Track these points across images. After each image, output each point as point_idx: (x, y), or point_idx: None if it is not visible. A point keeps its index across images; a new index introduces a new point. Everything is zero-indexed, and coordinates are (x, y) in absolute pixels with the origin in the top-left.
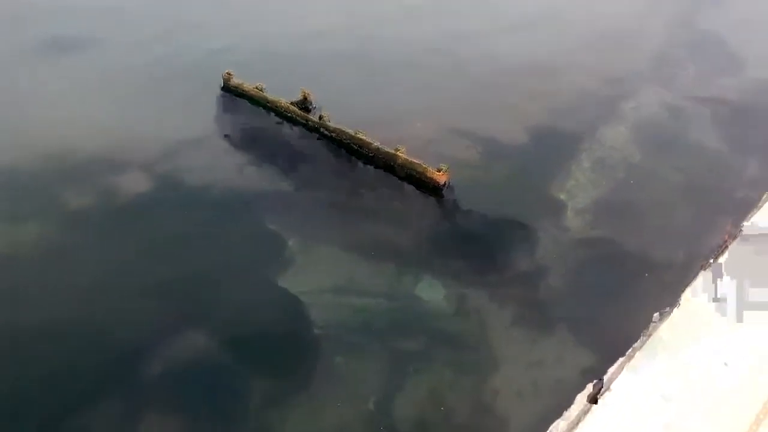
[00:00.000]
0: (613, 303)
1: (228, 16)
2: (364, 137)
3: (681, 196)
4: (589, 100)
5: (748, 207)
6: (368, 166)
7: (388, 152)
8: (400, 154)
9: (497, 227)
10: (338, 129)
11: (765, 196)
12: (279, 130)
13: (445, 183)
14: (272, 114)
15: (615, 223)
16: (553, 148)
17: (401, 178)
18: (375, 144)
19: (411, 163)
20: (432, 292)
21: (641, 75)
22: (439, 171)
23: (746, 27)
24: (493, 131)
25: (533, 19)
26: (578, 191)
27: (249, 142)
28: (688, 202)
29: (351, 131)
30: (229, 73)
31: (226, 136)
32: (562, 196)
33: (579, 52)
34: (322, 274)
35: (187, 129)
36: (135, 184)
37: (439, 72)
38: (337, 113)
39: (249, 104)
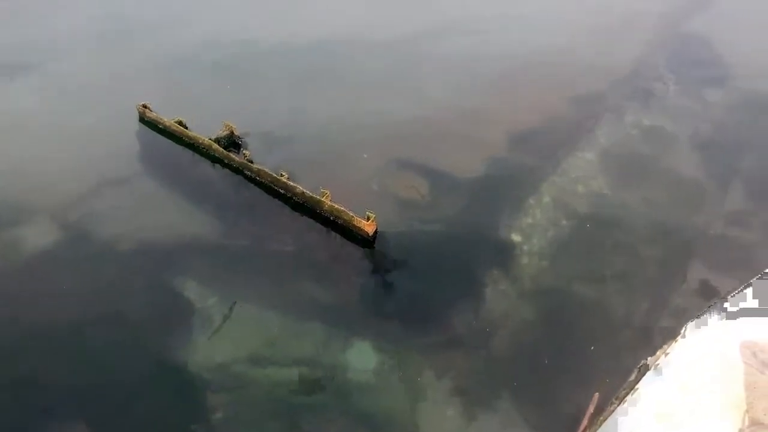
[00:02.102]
0: (566, 372)
1: (148, 40)
2: (287, 181)
3: (650, 237)
4: (556, 123)
5: (726, 250)
6: (296, 213)
7: (312, 198)
8: (325, 201)
9: (437, 280)
10: (261, 171)
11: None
12: (201, 171)
13: (374, 233)
14: (194, 152)
15: (573, 270)
16: (510, 180)
17: (329, 227)
18: (299, 188)
19: (337, 210)
20: (362, 359)
21: (616, 91)
22: (367, 219)
23: (734, 32)
24: (446, 162)
25: (493, 27)
26: (534, 231)
27: (167, 185)
28: (656, 245)
29: (273, 173)
30: (144, 106)
31: (140, 177)
32: (516, 238)
33: (547, 67)
34: (238, 341)
35: (96, 169)
36: (34, 234)
37: (393, 93)
38: (271, 148)
39: (169, 141)
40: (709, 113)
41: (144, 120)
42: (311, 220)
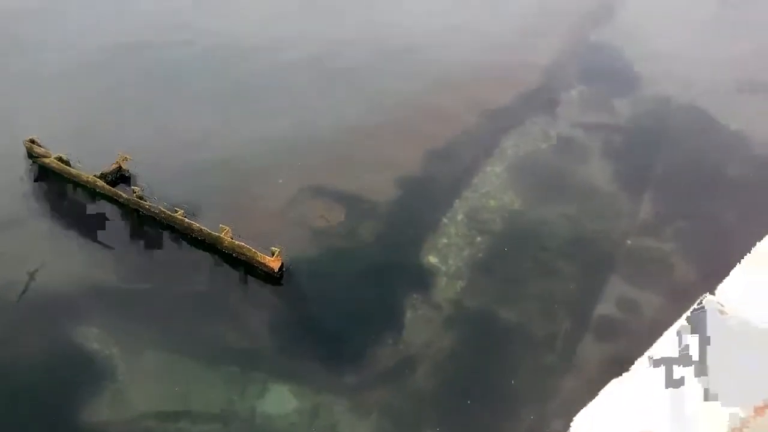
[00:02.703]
0: (492, 402)
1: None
2: (182, 218)
3: (564, 253)
4: (468, 138)
5: (640, 261)
6: (198, 250)
7: (211, 234)
8: (225, 237)
9: (353, 313)
10: (155, 207)
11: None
12: (96, 210)
13: (280, 268)
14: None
15: (492, 291)
16: (423, 199)
17: (234, 264)
18: (196, 225)
19: (239, 246)
20: (280, 404)
21: (525, 102)
22: (272, 255)
23: (640, 39)
24: (361, 186)
25: (401, 41)
26: (451, 252)
27: (59, 226)
28: (571, 261)
29: (167, 211)
30: (32, 141)
31: (29, 219)
32: (434, 260)
33: (454, 81)
34: (146, 396)
35: None
36: None
37: (306, 112)
38: (174, 176)
39: (61, 178)
40: (616, 122)
41: (32, 156)
42: (216, 257)
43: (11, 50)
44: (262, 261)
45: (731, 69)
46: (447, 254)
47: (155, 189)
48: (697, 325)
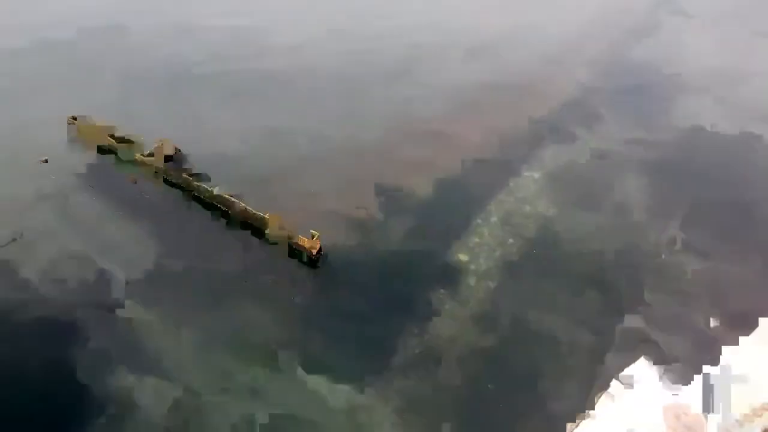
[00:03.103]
0: (511, 398)
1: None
2: (227, 197)
3: (595, 263)
4: (505, 144)
5: (664, 280)
6: (238, 231)
7: (255, 216)
8: (268, 218)
9: (383, 303)
10: (201, 188)
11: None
12: (141, 187)
13: (318, 252)
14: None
15: (519, 294)
16: (460, 200)
17: (273, 246)
18: (241, 205)
19: (282, 228)
20: (310, 387)
21: (566, 114)
22: (311, 238)
23: (680, 57)
24: (396, 184)
25: (452, 52)
26: (481, 251)
27: (102, 201)
28: (602, 272)
29: (211, 190)
30: (74, 118)
31: (73, 193)
32: (464, 258)
33: (497, 87)
34: (180, 371)
35: (29, 185)
36: None
37: (342, 114)
38: (218, 164)
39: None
40: (655, 140)
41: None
42: (255, 239)
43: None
44: (302, 243)
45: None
46: (478, 253)
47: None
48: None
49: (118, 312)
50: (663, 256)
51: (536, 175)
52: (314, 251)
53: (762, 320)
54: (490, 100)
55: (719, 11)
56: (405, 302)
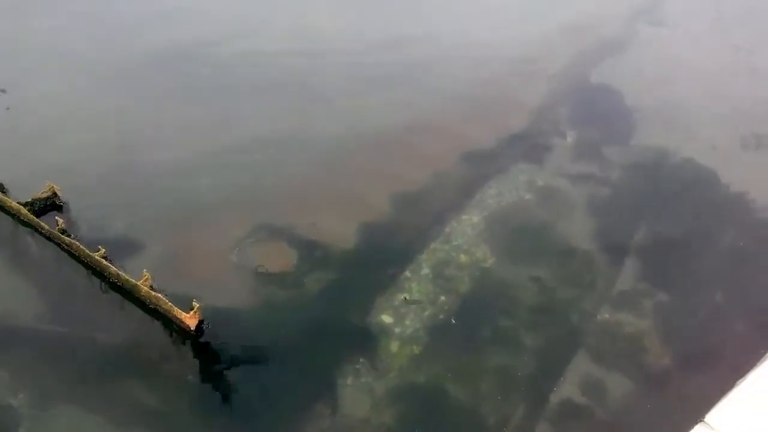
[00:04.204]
0: None
1: None
2: (100, 259)
3: (533, 322)
4: (444, 181)
5: (613, 339)
6: (119, 295)
7: (128, 281)
8: (143, 285)
9: (287, 377)
10: (74, 244)
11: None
12: (22, 239)
13: (199, 326)
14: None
15: (447, 362)
16: (387, 249)
17: (154, 314)
18: (113, 269)
19: (156, 297)
20: None
21: (512, 145)
22: (192, 310)
23: (643, 83)
24: (317, 229)
25: (385, 72)
26: (408, 311)
27: None
28: (539, 332)
29: (86, 249)
30: None
31: None
32: (388, 320)
33: (438, 119)
34: None
35: None
36: None
37: (271, 150)
38: (111, 208)
39: None
40: (606, 175)
41: None
42: (136, 304)
43: None
44: (179, 316)
45: (738, 121)
46: (405, 314)
47: (93, 218)
48: None
49: None
50: (598, 317)
51: (475, 218)
52: (192, 326)
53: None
54: (421, 128)
55: (699, 23)
56: (315, 376)
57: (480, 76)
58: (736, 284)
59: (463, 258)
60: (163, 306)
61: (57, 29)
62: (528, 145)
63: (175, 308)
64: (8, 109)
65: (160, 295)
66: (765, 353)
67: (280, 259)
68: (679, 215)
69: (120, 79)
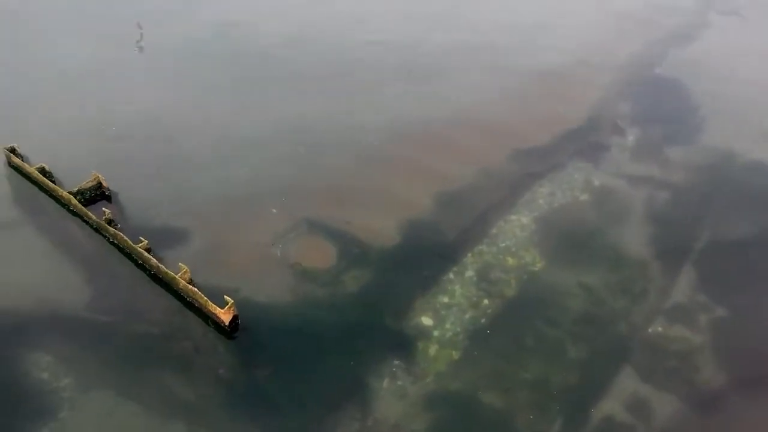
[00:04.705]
0: None
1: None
2: (142, 250)
3: (578, 333)
4: (493, 180)
5: (663, 356)
6: (159, 286)
7: (167, 273)
8: (180, 278)
9: (316, 380)
10: (118, 235)
11: None
12: (67, 227)
13: (232, 322)
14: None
15: (485, 369)
16: (430, 248)
17: (192, 306)
18: (154, 261)
19: (192, 291)
20: None
21: (567, 142)
22: (225, 306)
23: (711, 79)
24: (360, 225)
25: (439, 67)
26: (450, 313)
27: (29, 239)
28: (584, 344)
29: (129, 240)
30: (12, 150)
31: None
32: (428, 322)
33: (486, 110)
34: None
35: None
36: None
37: (313, 141)
38: (157, 198)
39: (37, 189)
40: (668, 177)
41: (11, 164)
42: (175, 296)
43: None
44: (213, 311)
45: None
46: (445, 316)
47: (140, 209)
48: None
49: (30, 364)
50: (649, 330)
51: (525, 219)
52: (226, 321)
53: None
54: (471, 123)
55: None
56: (349, 377)
57: (534, 67)
58: None
59: (510, 261)
60: (199, 300)
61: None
62: (585, 143)
63: (210, 303)
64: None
65: (196, 289)
66: None
67: (320, 255)
68: (744, 223)
69: (160, 68)
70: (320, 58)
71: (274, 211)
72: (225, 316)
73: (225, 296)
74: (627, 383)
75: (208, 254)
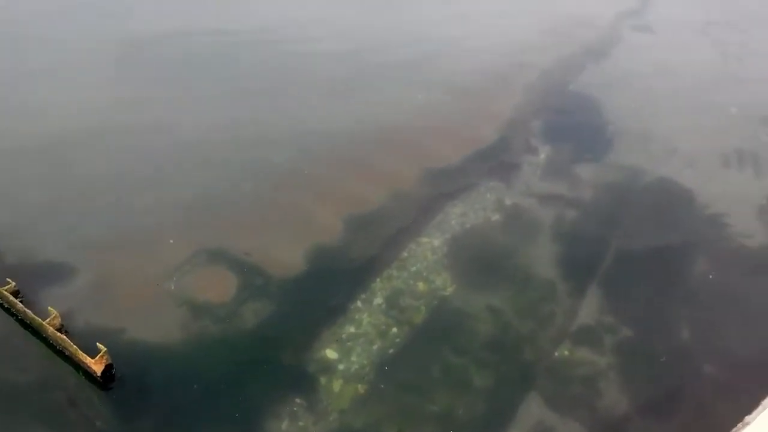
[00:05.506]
0: None
1: None
2: (7, 293)
3: (485, 360)
4: (403, 201)
5: (569, 381)
6: (29, 332)
7: (34, 320)
8: (49, 325)
9: (205, 430)
10: None
11: None
12: None
13: (106, 372)
14: None
15: (392, 402)
16: (338, 275)
17: (63, 357)
18: (20, 306)
19: (62, 339)
20: None
21: (479, 161)
22: (99, 355)
23: (622, 92)
24: (264, 253)
25: (344, 86)
26: (356, 344)
27: None
28: (491, 371)
29: None
30: None
31: None
32: (333, 355)
33: (400, 127)
34: None
35: None
36: None
37: (218, 162)
38: (33, 238)
39: None
40: (577, 195)
41: None
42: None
43: None
44: (84, 361)
45: (721, 135)
46: (351, 348)
47: (18, 245)
48: None
49: None
50: (555, 354)
51: (436, 241)
52: (98, 372)
53: None
54: (382, 142)
55: (687, 28)
56: (245, 422)
57: (449, 84)
58: (706, 323)
59: (420, 286)
60: (69, 349)
61: None
62: (498, 161)
63: (80, 352)
64: None
65: (65, 336)
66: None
67: (218, 288)
68: (650, 242)
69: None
70: (234, 71)
71: (171, 241)
72: (97, 366)
73: (98, 344)
74: (533, 411)
75: (94, 292)
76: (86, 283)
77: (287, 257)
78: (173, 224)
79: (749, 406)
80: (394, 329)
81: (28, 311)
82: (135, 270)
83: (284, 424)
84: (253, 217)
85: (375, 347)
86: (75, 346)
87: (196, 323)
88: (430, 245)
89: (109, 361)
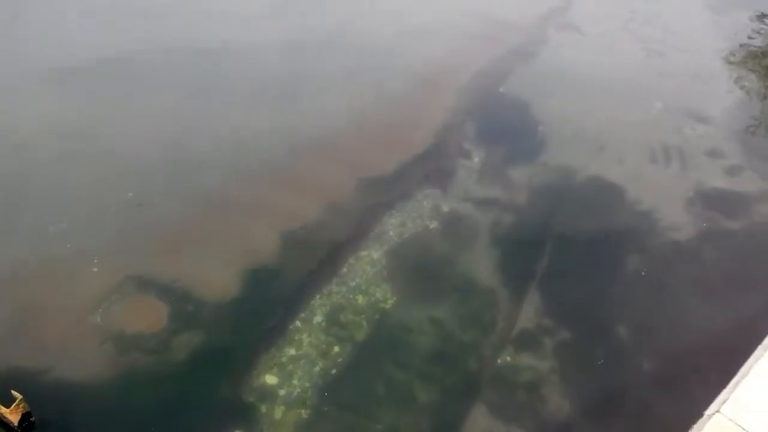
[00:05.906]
0: None
1: None
2: None
3: (427, 374)
4: (340, 214)
5: (513, 387)
6: None
7: None
8: None
9: None
10: None
11: None
12: None
13: (23, 421)
14: None
15: (335, 424)
16: (276, 296)
17: None
18: None
19: None
20: None
21: (415, 168)
22: (14, 403)
23: (552, 92)
24: (195, 278)
25: (273, 92)
26: (297, 367)
27: None
28: (434, 384)
29: None
30: None
31: None
32: (272, 380)
33: (331, 136)
34: None
35: None
36: None
37: (142, 181)
38: None
39: None
40: (512, 198)
41: None
42: None
43: None
44: None
45: (647, 131)
46: (292, 372)
47: None
48: None
49: None
50: (498, 361)
51: (375, 254)
52: (15, 422)
53: None
54: (313, 153)
55: (611, 26)
56: None
57: (381, 91)
58: (640, 320)
59: (361, 300)
60: None
61: None
62: (433, 167)
63: None
64: None
65: None
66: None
67: (147, 318)
68: (584, 241)
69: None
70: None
71: (95, 270)
72: (13, 416)
73: (12, 391)
74: (479, 422)
75: (12, 330)
76: (1, 322)
77: (220, 280)
78: (97, 251)
79: (689, 400)
80: (336, 348)
81: None
82: (57, 303)
83: None
84: (182, 241)
85: (317, 369)
86: None
87: (125, 358)
88: (369, 258)
89: (27, 409)
